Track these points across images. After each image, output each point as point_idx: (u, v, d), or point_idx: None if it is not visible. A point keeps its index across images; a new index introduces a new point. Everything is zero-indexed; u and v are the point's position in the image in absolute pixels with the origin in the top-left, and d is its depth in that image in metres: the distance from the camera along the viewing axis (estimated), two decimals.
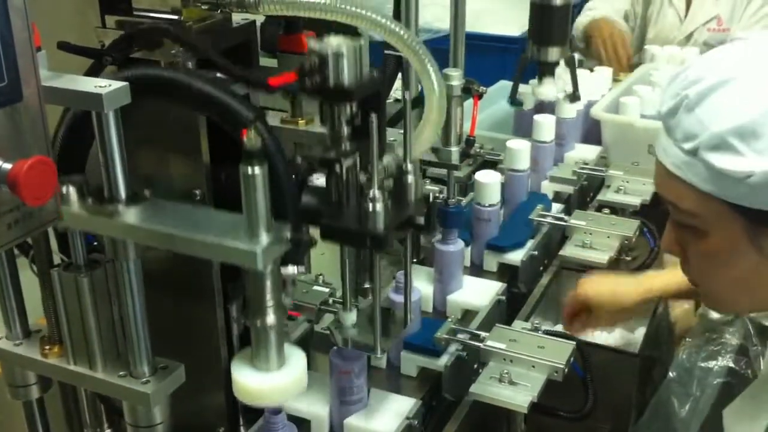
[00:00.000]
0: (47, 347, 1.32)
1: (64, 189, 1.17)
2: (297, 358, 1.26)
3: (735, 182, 1.11)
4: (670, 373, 1.98)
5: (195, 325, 1.41)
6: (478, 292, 1.89)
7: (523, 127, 2.55)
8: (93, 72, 1.33)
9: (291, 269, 1.24)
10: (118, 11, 1.38)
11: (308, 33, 1.56)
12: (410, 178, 1.34)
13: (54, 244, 1.28)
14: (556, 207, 2.28)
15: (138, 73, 1.23)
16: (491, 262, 2.06)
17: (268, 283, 1.18)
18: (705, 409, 1.89)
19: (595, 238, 2.07)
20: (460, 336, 1.67)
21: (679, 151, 1.17)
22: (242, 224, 1.12)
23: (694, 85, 1.16)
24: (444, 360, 1.65)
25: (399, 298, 1.53)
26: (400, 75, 1.71)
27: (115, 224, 1.16)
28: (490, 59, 3.34)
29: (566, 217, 2.15)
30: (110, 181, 1.15)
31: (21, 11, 0.89)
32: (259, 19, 1.46)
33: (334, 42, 1.24)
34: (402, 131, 1.38)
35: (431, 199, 1.87)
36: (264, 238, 1.11)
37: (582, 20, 3.48)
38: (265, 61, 1.62)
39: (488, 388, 1.56)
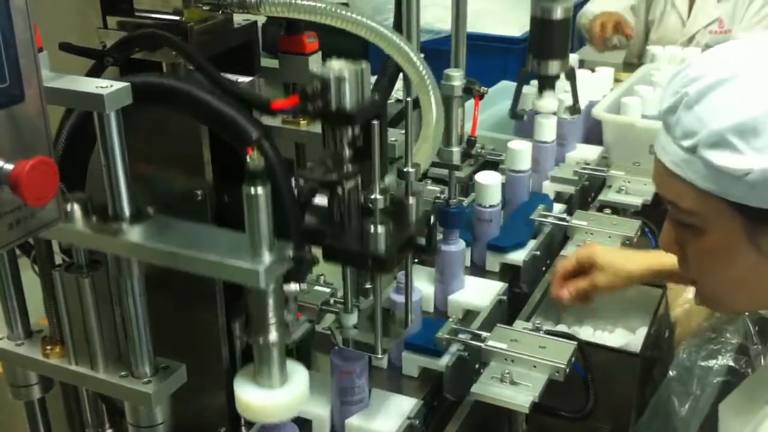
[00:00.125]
0: (49, 347, 1.32)
1: (68, 207, 1.18)
2: (299, 375, 1.28)
3: (733, 180, 1.12)
4: (671, 372, 1.99)
5: (196, 325, 1.41)
6: (479, 292, 1.90)
7: (524, 128, 2.55)
8: (94, 73, 1.34)
9: (293, 286, 1.25)
10: (119, 12, 1.38)
11: (309, 33, 1.57)
12: (411, 199, 1.35)
13: (55, 244, 1.29)
14: (558, 207, 2.28)
15: (141, 81, 1.23)
16: (493, 262, 2.06)
17: (271, 301, 1.20)
18: (705, 407, 1.90)
19: (597, 238, 2.07)
20: (462, 336, 1.67)
21: (678, 149, 1.18)
22: (245, 243, 1.13)
23: (694, 83, 1.16)
24: (445, 360, 1.65)
25: (400, 299, 1.53)
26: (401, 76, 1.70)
27: (119, 243, 1.17)
28: (491, 60, 3.34)
29: (568, 218, 2.15)
30: (114, 195, 1.16)
31: (23, 12, 0.90)
32: (261, 19, 1.47)
33: (336, 66, 1.25)
34: (403, 131, 1.39)
35: (433, 201, 1.89)
36: (266, 257, 1.12)
37: (591, 9, 3.50)
38: (267, 62, 1.62)
39: (489, 388, 1.56)
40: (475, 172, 2.12)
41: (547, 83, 2.41)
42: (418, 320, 1.67)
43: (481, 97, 1.99)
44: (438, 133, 1.51)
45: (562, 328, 2.07)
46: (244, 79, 1.45)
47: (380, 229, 1.27)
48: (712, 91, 1.14)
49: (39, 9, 0.95)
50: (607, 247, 1.84)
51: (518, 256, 2.02)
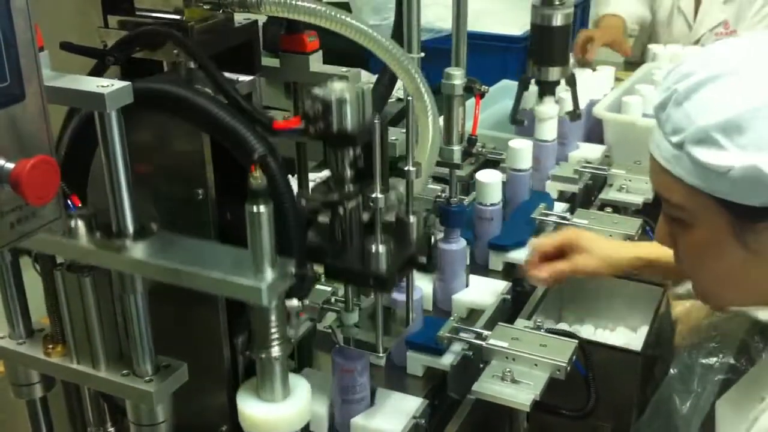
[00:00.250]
0: (50, 346, 1.32)
1: (72, 223, 1.19)
2: (301, 389, 1.29)
3: (718, 176, 1.13)
4: (672, 371, 1.98)
5: (197, 324, 1.41)
6: (483, 291, 1.89)
7: (524, 127, 2.55)
8: (96, 72, 1.34)
9: (295, 303, 1.26)
10: (120, 11, 1.38)
11: (310, 33, 1.57)
12: (412, 218, 1.36)
13: None
14: (561, 206, 2.28)
15: (144, 87, 1.23)
16: (497, 261, 2.06)
17: (273, 318, 1.21)
18: (706, 405, 1.89)
19: None
20: (463, 334, 1.67)
21: (668, 145, 1.19)
22: (247, 260, 1.14)
23: (684, 80, 1.17)
24: (450, 359, 1.66)
25: (401, 297, 1.53)
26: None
27: (122, 259, 1.18)
28: (491, 58, 3.34)
29: (569, 216, 2.15)
30: (117, 210, 1.17)
31: (24, 11, 0.90)
32: (261, 18, 1.47)
33: (338, 87, 1.26)
34: (404, 131, 1.39)
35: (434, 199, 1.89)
36: (269, 275, 1.14)
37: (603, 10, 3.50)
38: (268, 61, 1.62)
39: (491, 387, 1.56)
40: (475, 171, 2.12)
41: (547, 89, 2.41)
42: (419, 319, 1.67)
43: (482, 95, 1.99)
44: (434, 152, 1.52)
45: (563, 326, 2.08)
46: (244, 78, 1.46)
47: (381, 248, 1.29)
48: (702, 87, 1.15)
49: (40, 8, 0.95)
50: (590, 232, 1.81)
51: (520, 255, 2.02)
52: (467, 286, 1.93)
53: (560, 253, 1.75)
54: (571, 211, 2.23)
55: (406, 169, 1.32)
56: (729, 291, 1.31)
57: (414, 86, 1.45)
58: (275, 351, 1.23)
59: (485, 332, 1.66)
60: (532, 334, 1.67)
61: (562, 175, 2.37)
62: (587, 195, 2.39)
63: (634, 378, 1.90)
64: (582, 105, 2.57)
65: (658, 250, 1.71)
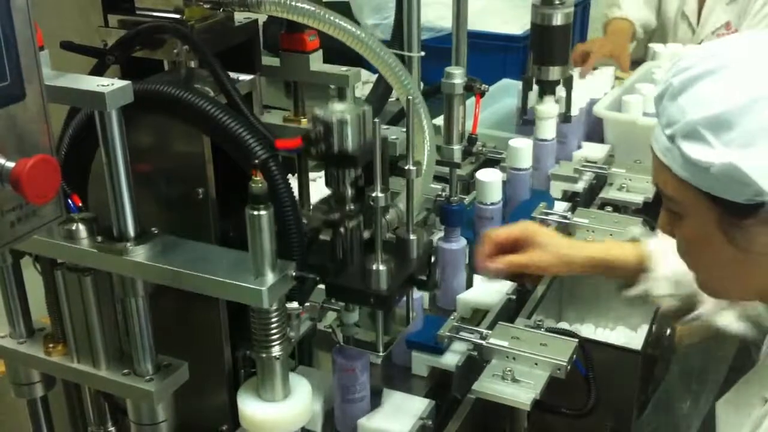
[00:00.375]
0: (51, 345, 1.33)
1: (73, 226, 1.19)
2: (302, 388, 1.30)
3: (703, 172, 1.14)
4: (672, 370, 1.99)
5: (198, 323, 1.41)
6: (487, 291, 1.89)
7: (525, 126, 2.55)
8: (96, 71, 1.34)
9: (296, 304, 1.26)
10: (120, 10, 1.39)
11: (310, 32, 1.57)
12: (412, 236, 1.37)
13: None
14: (562, 205, 2.28)
15: (146, 88, 1.24)
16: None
17: (274, 319, 1.21)
18: (706, 405, 1.90)
19: (598, 235, 2.06)
20: (463, 334, 1.67)
21: (663, 137, 1.20)
22: (248, 263, 1.16)
23: (680, 74, 1.18)
24: (455, 359, 1.65)
25: None
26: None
27: (123, 263, 1.19)
28: (492, 57, 3.33)
29: (569, 215, 2.15)
30: (118, 211, 1.17)
31: (24, 11, 0.90)
32: (262, 18, 1.47)
33: (338, 109, 1.28)
34: (404, 129, 1.39)
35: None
36: (269, 277, 1.16)
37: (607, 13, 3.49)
38: (268, 60, 1.62)
39: (491, 386, 1.56)
40: (476, 170, 2.11)
41: (547, 88, 2.41)
42: (419, 318, 1.67)
43: (482, 94, 1.99)
44: (431, 166, 1.53)
45: (563, 325, 2.07)
46: (245, 77, 1.46)
47: (382, 267, 1.30)
48: (696, 82, 1.16)
49: (40, 7, 0.95)
50: (549, 229, 1.79)
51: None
52: (467, 285, 1.93)
53: (516, 246, 1.72)
54: (572, 210, 2.23)
55: (406, 168, 1.32)
56: (723, 284, 1.32)
57: (404, 91, 1.46)
58: (276, 350, 1.24)
59: (485, 331, 1.66)
60: (532, 333, 1.67)
61: (562, 174, 2.37)
62: (591, 194, 2.38)
63: (635, 377, 1.90)
64: (582, 104, 2.57)
65: (614, 251, 1.72)
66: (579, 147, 2.58)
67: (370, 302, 1.33)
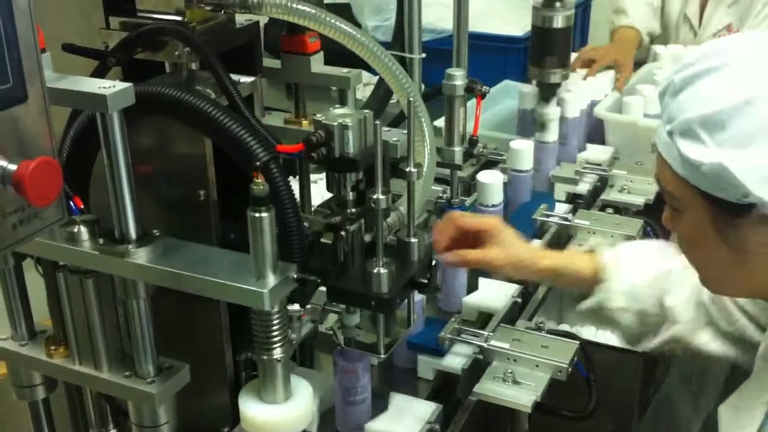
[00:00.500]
0: (52, 348, 1.33)
1: (75, 229, 1.19)
2: (303, 390, 1.30)
3: (696, 169, 1.14)
4: (672, 372, 1.99)
5: (199, 325, 1.42)
6: (493, 294, 1.88)
7: (526, 127, 2.55)
8: (98, 73, 1.34)
9: (297, 306, 1.27)
10: (122, 12, 1.39)
11: (311, 33, 1.57)
12: (413, 239, 1.38)
13: None
14: (563, 207, 2.28)
15: (147, 90, 1.24)
16: None
17: (275, 321, 1.21)
18: (707, 406, 1.90)
19: (599, 237, 2.06)
20: (464, 336, 1.67)
21: (664, 132, 1.20)
22: (249, 265, 1.16)
23: (682, 71, 1.19)
24: (461, 363, 1.65)
25: None
26: None
27: (125, 265, 1.19)
28: (492, 59, 3.33)
29: (570, 217, 2.15)
30: (119, 213, 1.17)
31: (26, 13, 0.90)
32: (263, 19, 1.47)
33: (340, 114, 1.29)
34: (405, 131, 1.40)
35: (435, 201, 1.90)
36: (271, 279, 1.16)
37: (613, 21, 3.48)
38: (269, 62, 1.62)
39: (492, 388, 1.56)
40: (476, 172, 2.11)
41: (547, 91, 2.41)
42: (420, 320, 1.67)
43: (483, 96, 1.99)
44: (430, 177, 1.54)
45: (564, 327, 2.07)
46: (246, 79, 1.46)
47: (383, 270, 1.30)
48: (696, 80, 1.16)
49: (42, 10, 0.95)
50: (513, 231, 1.72)
51: None
52: (469, 287, 1.93)
53: (477, 237, 1.67)
54: (573, 212, 2.23)
55: (407, 170, 1.32)
56: (721, 281, 1.32)
57: (404, 94, 1.46)
58: (277, 353, 1.24)
59: (486, 333, 1.66)
60: (533, 335, 1.67)
61: (563, 175, 2.37)
62: (594, 196, 2.38)
63: (635, 379, 1.90)
64: (583, 105, 2.57)
65: (571, 264, 1.70)
66: (579, 148, 2.58)
67: (371, 305, 1.33)
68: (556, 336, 1.67)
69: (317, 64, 1.61)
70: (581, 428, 1.71)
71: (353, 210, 1.35)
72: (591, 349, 1.70)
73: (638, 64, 3.19)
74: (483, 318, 1.83)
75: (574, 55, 2.72)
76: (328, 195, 1.39)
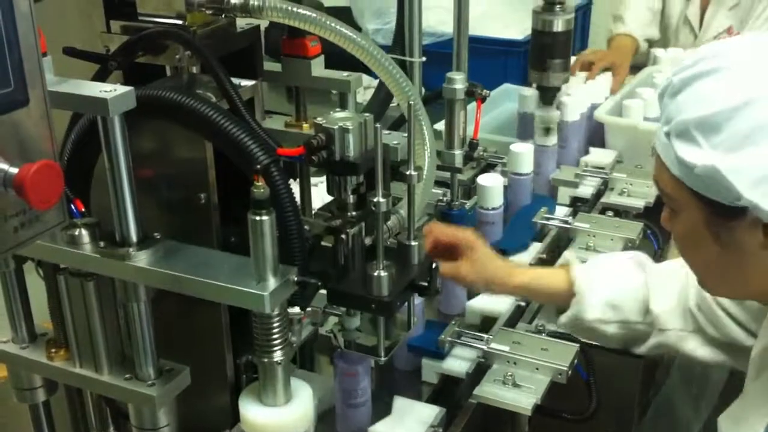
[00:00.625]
0: (53, 350, 1.33)
1: (76, 232, 1.19)
2: (304, 393, 1.31)
3: (691, 171, 1.14)
4: (673, 374, 1.99)
5: (200, 328, 1.42)
6: (496, 298, 1.88)
7: (526, 130, 2.55)
8: (99, 77, 1.34)
9: (297, 309, 1.27)
10: (123, 16, 1.39)
11: (312, 37, 1.57)
12: (413, 242, 1.38)
13: None
14: (563, 210, 2.28)
15: (148, 94, 1.24)
16: None
17: (275, 324, 1.22)
18: (707, 409, 1.90)
19: (599, 240, 2.07)
20: (464, 339, 1.68)
21: (662, 133, 1.20)
22: (250, 268, 1.16)
23: (681, 72, 1.18)
24: (465, 366, 1.65)
25: None
26: None
27: (126, 268, 1.19)
28: (492, 62, 3.34)
29: (570, 220, 2.15)
30: (120, 216, 1.18)
31: (27, 17, 0.90)
32: (264, 23, 1.48)
33: (340, 117, 1.29)
34: (405, 134, 1.40)
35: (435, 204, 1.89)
36: (271, 282, 1.16)
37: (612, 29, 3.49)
38: (270, 65, 1.63)
39: (492, 391, 1.56)
40: (477, 175, 2.12)
41: (547, 94, 2.41)
42: (421, 323, 1.68)
43: (483, 100, 1.99)
44: (431, 173, 1.53)
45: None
46: (247, 82, 1.46)
47: (383, 273, 1.30)
48: (694, 82, 1.16)
49: (43, 14, 0.95)
50: (488, 247, 1.71)
51: (522, 259, 2.02)
52: (469, 290, 1.93)
53: (454, 249, 1.66)
54: (574, 215, 2.23)
55: (407, 173, 1.33)
56: (717, 282, 1.32)
57: (404, 97, 1.47)
58: (277, 355, 1.24)
59: (486, 336, 1.67)
60: (533, 337, 1.67)
61: (563, 178, 2.37)
62: (597, 200, 2.38)
63: (636, 381, 1.91)
64: (583, 109, 2.57)
65: (542, 281, 1.70)
66: (580, 151, 2.58)
67: (371, 308, 1.33)
68: (556, 339, 1.67)
69: (318, 68, 1.61)
70: (581, 431, 1.71)
71: (354, 213, 1.35)
72: (591, 351, 1.71)
73: (638, 68, 3.19)
74: (486, 322, 1.83)
75: (573, 59, 2.72)
76: (329, 198, 1.39)
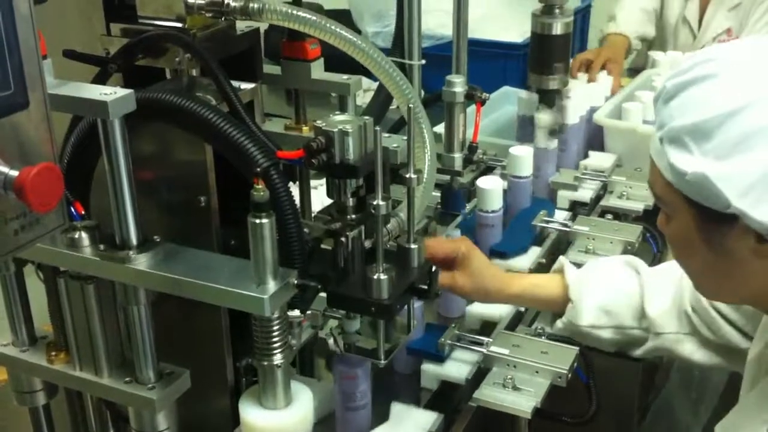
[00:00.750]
0: (53, 353, 1.33)
1: (76, 234, 1.20)
2: (304, 396, 1.31)
3: (681, 177, 1.14)
4: (672, 377, 1.98)
5: (200, 331, 1.42)
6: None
7: (526, 133, 2.55)
8: (99, 80, 1.34)
9: (297, 312, 1.27)
10: (122, 19, 1.39)
11: (312, 40, 1.57)
12: (413, 245, 1.38)
13: None
14: (564, 213, 2.28)
15: (148, 97, 1.24)
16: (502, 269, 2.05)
17: (275, 327, 1.22)
18: (707, 412, 1.90)
19: (598, 243, 2.07)
20: (464, 342, 1.67)
21: (656, 138, 1.20)
22: (250, 271, 1.16)
23: (675, 77, 1.18)
24: (464, 372, 1.65)
25: None
26: None
27: (125, 271, 1.19)
28: (492, 65, 3.34)
29: (569, 223, 2.15)
30: (120, 219, 1.18)
31: (27, 19, 0.90)
32: (263, 26, 1.48)
33: (340, 120, 1.30)
34: (405, 137, 1.40)
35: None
36: (271, 285, 1.16)
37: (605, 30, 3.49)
38: (269, 68, 1.63)
39: (492, 394, 1.56)
40: (476, 178, 2.12)
41: (547, 97, 2.42)
42: (420, 326, 1.67)
43: (483, 103, 1.99)
44: (430, 185, 1.53)
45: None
46: (246, 85, 1.46)
47: (383, 276, 1.31)
48: (687, 87, 1.16)
49: (43, 16, 0.95)
50: (483, 257, 1.72)
51: (521, 262, 2.02)
52: None
53: (451, 260, 1.66)
54: (573, 218, 2.23)
55: (407, 176, 1.33)
56: (711, 287, 1.32)
57: (405, 100, 1.47)
58: (277, 359, 1.24)
59: (486, 339, 1.66)
60: (533, 340, 1.67)
61: (563, 181, 2.37)
62: (595, 203, 2.38)
63: (635, 385, 1.90)
64: (582, 112, 2.57)
65: (538, 289, 1.71)
66: (579, 154, 2.59)
67: (371, 311, 1.33)
68: (556, 342, 1.67)
69: (317, 71, 1.61)
70: None
71: (353, 216, 1.36)
72: (591, 354, 1.71)
73: (637, 71, 3.19)
74: (486, 327, 1.83)
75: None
76: (329, 201, 1.39)
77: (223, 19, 1.40)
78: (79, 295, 1.24)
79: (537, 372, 1.59)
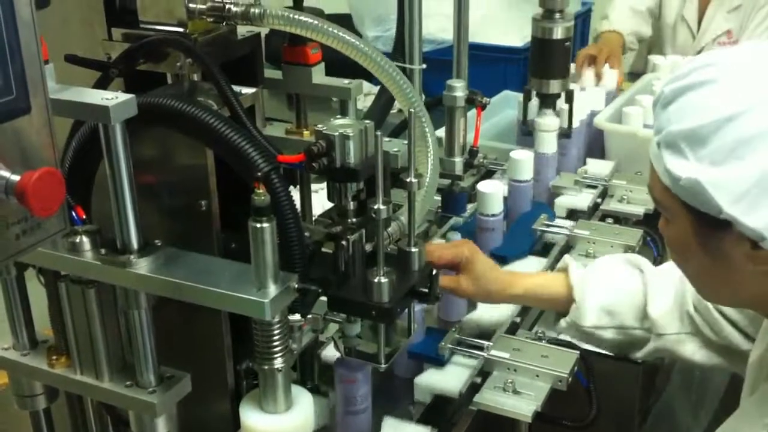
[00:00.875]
0: (54, 357, 1.33)
1: (77, 239, 1.20)
2: (304, 400, 1.31)
3: (677, 182, 1.14)
4: (673, 380, 1.98)
5: (201, 335, 1.42)
6: (494, 311, 1.87)
7: (526, 138, 2.55)
8: (100, 85, 1.35)
9: (298, 316, 1.27)
10: (124, 24, 1.39)
11: (312, 44, 1.58)
12: (414, 249, 1.38)
13: None
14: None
15: (148, 101, 1.25)
16: None
17: (276, 331, 1.22)
18: (707, 415, 1.89)
19: (599, 247, 2.07)
20: (464, 346, 1.68)
21: (654, 142, 1.20)
22: (250, 275, 1.16)
23: (673, 83, 1.18)
24: (459, 386, 1.64)
25: None
26: None
27: (126, 275, 1.19)
28: (492, 69, 3.35)
29: (570, 227, 2.15)
30: (121, 224, 1.18)
31: (29, 24, 0.90)
32: (264, 30, 1.48)
33: (341, 124, 1.30)
34: (405, 141, 1.40)
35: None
36: (272, 289, 1.16)
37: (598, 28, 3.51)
38: (271, 72, 1.63)
39: (492, 398, 1.57)
40: (477, 182, 2.12)
41: (547, 102, 2.42)
42: (421, 330, 1.68)
43: (483, 107, 1.99)
44: (432, 189, 1.54)
45: (564, 337, 2.07)
46: (247, 90, 1.47)
47: (384, 279, 1.31)
48: (685, 93, 1.16)
49: (45, 21, 0.95)
50: (485, 257, 1.73)
51: (521, 266, 2.02)
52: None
53: (455, 263, 1.67)
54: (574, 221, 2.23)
55: (407, 180, 1.33)
56: (709, 290, 1.32)
57: (408, 104, 1.47)
58: (278, 362, 1.24)
59: (486, 343, 1.67)
60: (533, 344, 1.67)
61: (563, 185, 2.37)
62: (594, 208, 2.38)
63: (636, 388, 1.90)
64: (583, 116, 2.58)
65: (543, 288, 1.71)
66: (579, 158, 2.59)
67: (372, 315, 1.34)
68: (556, 345, 1.67)
69: (318, 75, 1.61)
70: None
71: (354, 220, 1.36)
72: (591, 358, 1.71)
73: (637, 75, 3.20)
74: (485, 335, 1.83)
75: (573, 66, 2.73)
76: (329, 205, 1.40)
77: (224, 23, 1.40)
78: (80, 299, 1.24)
79: (537, 376, 1.59)
